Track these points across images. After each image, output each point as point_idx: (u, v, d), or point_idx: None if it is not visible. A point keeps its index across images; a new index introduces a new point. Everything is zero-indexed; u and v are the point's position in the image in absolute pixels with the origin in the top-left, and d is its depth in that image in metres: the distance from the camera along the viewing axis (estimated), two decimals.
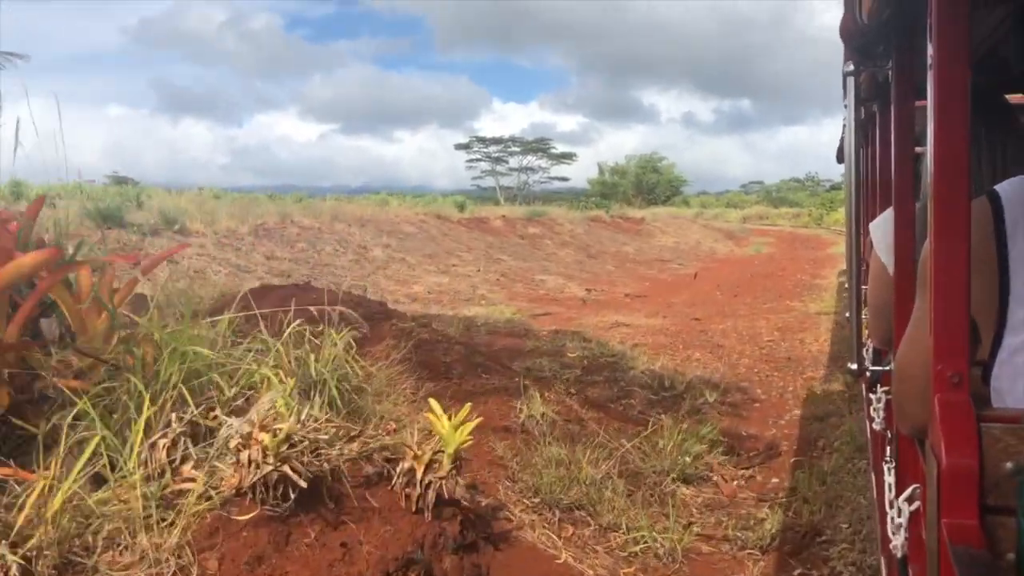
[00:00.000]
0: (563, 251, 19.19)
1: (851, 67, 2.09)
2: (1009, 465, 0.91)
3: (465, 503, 2.87)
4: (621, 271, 18.28)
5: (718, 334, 10.00)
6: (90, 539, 2.31)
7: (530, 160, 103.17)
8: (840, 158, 8.43)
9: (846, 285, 9.39)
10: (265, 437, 2.57)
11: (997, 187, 1.18)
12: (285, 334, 3.37)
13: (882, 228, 1.88)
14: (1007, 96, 1.89)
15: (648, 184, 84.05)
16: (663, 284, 16.58)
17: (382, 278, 12.30)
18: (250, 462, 2.53)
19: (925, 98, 1.05)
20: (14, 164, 3.23)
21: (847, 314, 3.51)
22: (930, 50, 0.95)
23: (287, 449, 2.60)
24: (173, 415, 2.76)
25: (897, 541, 1.48)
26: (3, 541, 2.15)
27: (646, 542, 3.56)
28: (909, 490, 1.42)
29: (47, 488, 2.29)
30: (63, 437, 2.53)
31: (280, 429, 2.60)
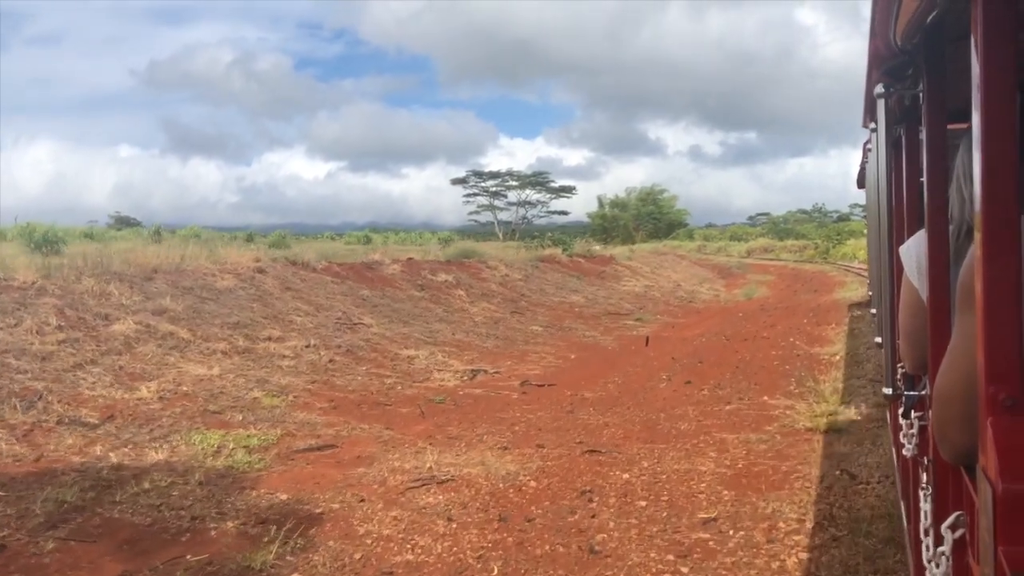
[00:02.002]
0: (477, 306, 14.39)
1: (882, 88, 2.06)
2: None
3: None
4: (549, 333, 13.46)
5: (613, 499, 5.18)
6: None
7: (529, 194, 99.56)
8: (862, 183, 7.22)
9: (872, 311, 6.99)
10: None
11: None
12: None
13: (912, 252, 1.82)
14: None
15: (649, 217, 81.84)
16: (595, 356, 11.74)
17: (98, 370, 7.54)
18: None
19: (956, 120, 1.27)
20: None
21: (878, 339, 2.95)
22: (976, 70, 0.93)
23: None
24: None
25: (938, 570, 1.45)
26: None
27: None
28: (952, 517, 1.35)
29: None
30: None
31: None
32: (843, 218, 70.67)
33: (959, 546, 1.34)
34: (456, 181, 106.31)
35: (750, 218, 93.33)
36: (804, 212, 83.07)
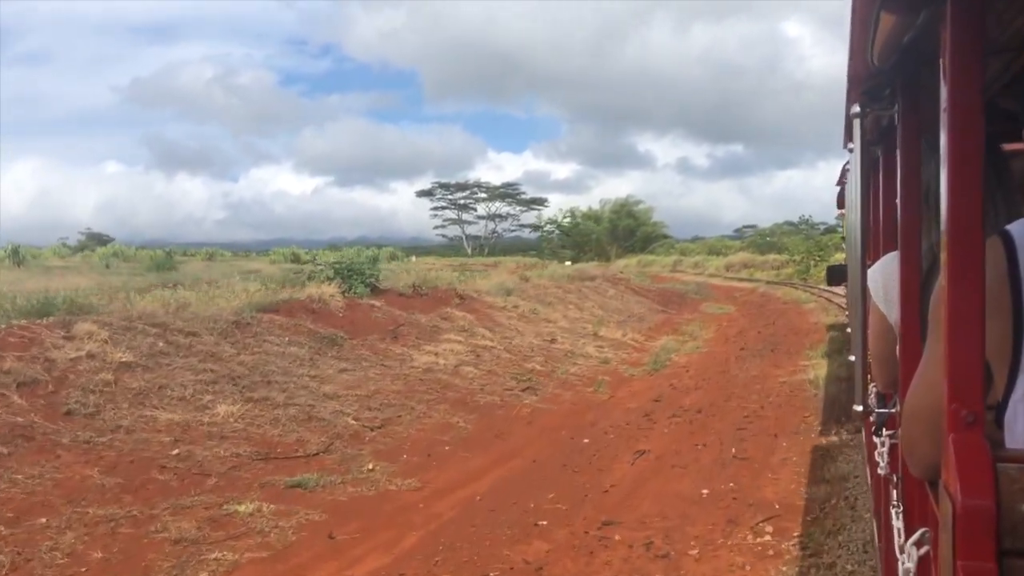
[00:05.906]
0: None
1: (858, 109, 2.03)
2: None
3: None
4: None
5: None
6: None
7: (498, 207, 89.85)
8: (841, 203, 7.19)
9: (847, 329, 6.48)
10: None
11: (1009, 227, 1.12)
12: None
13: (879, 277, 1.83)
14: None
15: (625, 230, 74.91)
16: None
17: None
18: None
19: (931, 141, 1.31)
20: None
21: (851, 357, 3.11)
22: (944, 92, 0.92)
23: None
24: None
25: None
26: None
27: None
28: (918, 533, 1.36)
29: None
30: None
31: None
32: (830, 230, 63.32)
33: (924, 563, 1.33)
34: (421, 193, 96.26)
35: (736, 230, 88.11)
36: (791, 224, 76.19)
